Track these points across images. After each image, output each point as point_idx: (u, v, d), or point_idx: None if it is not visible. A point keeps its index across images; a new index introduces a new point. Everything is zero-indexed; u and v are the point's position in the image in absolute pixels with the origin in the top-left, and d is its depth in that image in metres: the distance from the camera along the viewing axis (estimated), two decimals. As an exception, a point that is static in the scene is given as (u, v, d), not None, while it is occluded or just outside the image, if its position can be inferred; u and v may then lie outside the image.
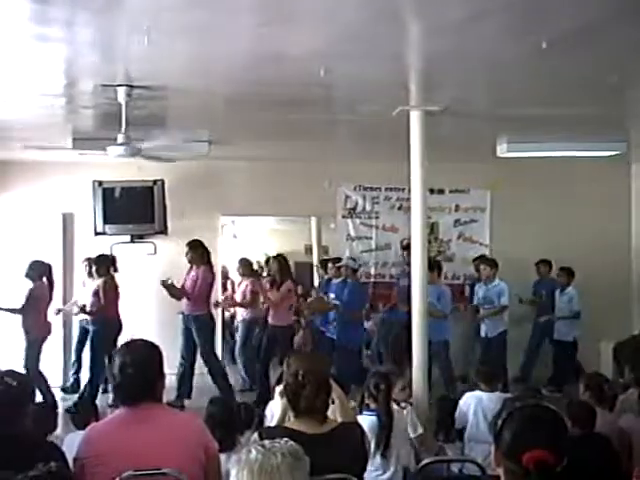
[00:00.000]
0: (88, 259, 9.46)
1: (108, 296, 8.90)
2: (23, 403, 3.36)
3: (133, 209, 10.00)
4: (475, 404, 5.42)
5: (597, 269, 10.13)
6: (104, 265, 9.09)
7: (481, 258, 10.08)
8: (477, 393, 5.51)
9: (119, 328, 8.86)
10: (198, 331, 8.92)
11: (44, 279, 8.65)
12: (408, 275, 7.40)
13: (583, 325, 10.07)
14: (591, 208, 10.63)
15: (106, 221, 9.89)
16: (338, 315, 9.32)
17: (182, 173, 10.03)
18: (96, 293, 8.93)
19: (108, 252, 9.74)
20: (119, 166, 9.19)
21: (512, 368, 9.65)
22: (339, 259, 10.07)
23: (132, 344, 3.39)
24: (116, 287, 9.07)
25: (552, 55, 4.90)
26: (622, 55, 5.11)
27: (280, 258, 9.70)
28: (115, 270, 9.23)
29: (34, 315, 8.41)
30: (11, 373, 3.40)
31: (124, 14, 4.14)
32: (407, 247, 8.20)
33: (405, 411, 5.20)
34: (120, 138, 6.21)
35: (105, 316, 8.89)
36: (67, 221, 10.33)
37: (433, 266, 9.49)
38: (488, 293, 9.54)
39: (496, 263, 9.70)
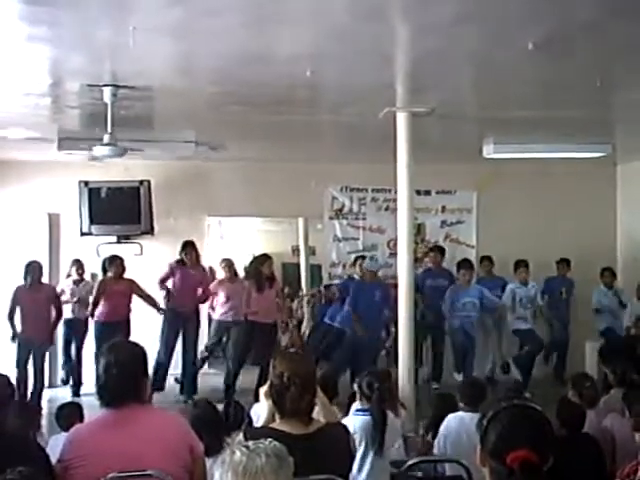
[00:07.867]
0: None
1: None
2: (3, 403, 3.33)
3: (119, 209, 9.93)
4: (458, 425, 5.03)
5: (583, 269, 10.18)
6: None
7: (520, 262, 9.85)
8: (459, 414, 5.28)
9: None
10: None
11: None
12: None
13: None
14: (577, 209, 10.66)
15: (92, 221, 9.81)
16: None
17: (169, 173, 10.01)
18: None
19: (94, 253, 9.74)
20: (105, 166, 9.15)
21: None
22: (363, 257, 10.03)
23: (116, 345, 3.37)
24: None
25: (538, 58, 4.93)
26: (607, 58, 5.15)
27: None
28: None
29: None
30: None
31: (110, 14, 4.13)
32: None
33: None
34: (106, 138, 6.19)
35: None
36: (53, 221, 10.26)
37: (467, 265, 9.64)
38: (529, 293, 9.72)
39: None
